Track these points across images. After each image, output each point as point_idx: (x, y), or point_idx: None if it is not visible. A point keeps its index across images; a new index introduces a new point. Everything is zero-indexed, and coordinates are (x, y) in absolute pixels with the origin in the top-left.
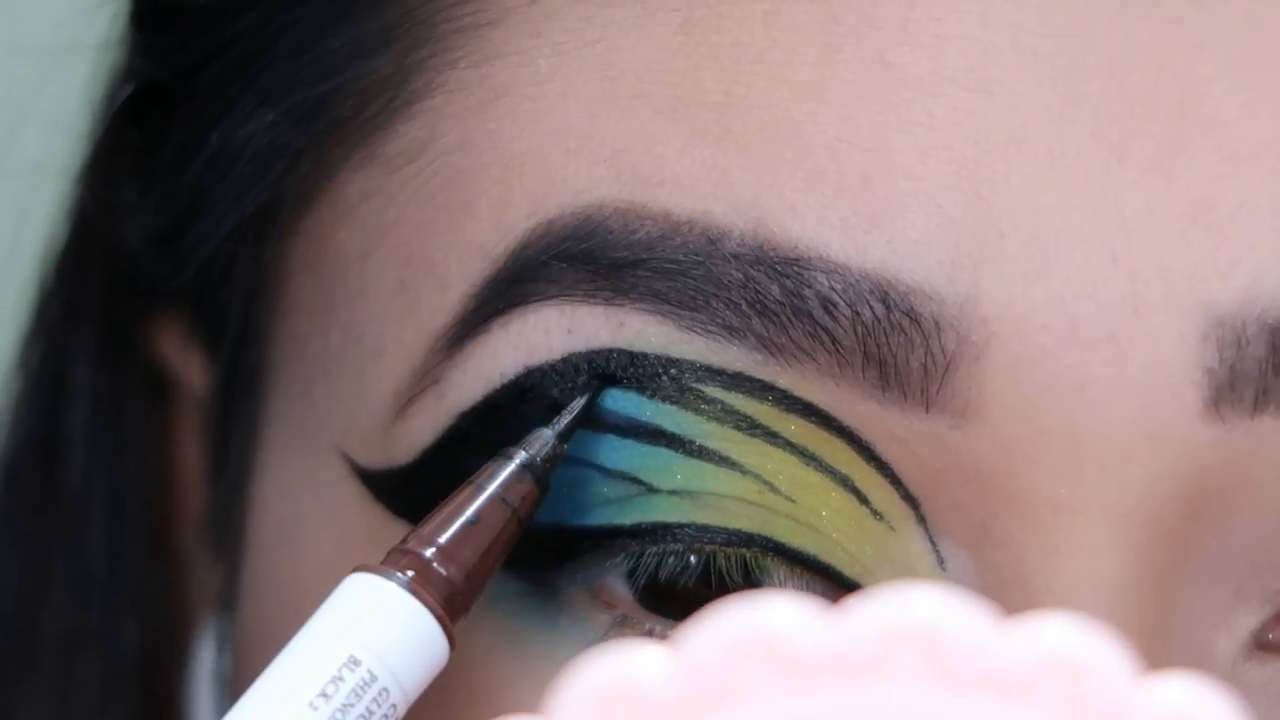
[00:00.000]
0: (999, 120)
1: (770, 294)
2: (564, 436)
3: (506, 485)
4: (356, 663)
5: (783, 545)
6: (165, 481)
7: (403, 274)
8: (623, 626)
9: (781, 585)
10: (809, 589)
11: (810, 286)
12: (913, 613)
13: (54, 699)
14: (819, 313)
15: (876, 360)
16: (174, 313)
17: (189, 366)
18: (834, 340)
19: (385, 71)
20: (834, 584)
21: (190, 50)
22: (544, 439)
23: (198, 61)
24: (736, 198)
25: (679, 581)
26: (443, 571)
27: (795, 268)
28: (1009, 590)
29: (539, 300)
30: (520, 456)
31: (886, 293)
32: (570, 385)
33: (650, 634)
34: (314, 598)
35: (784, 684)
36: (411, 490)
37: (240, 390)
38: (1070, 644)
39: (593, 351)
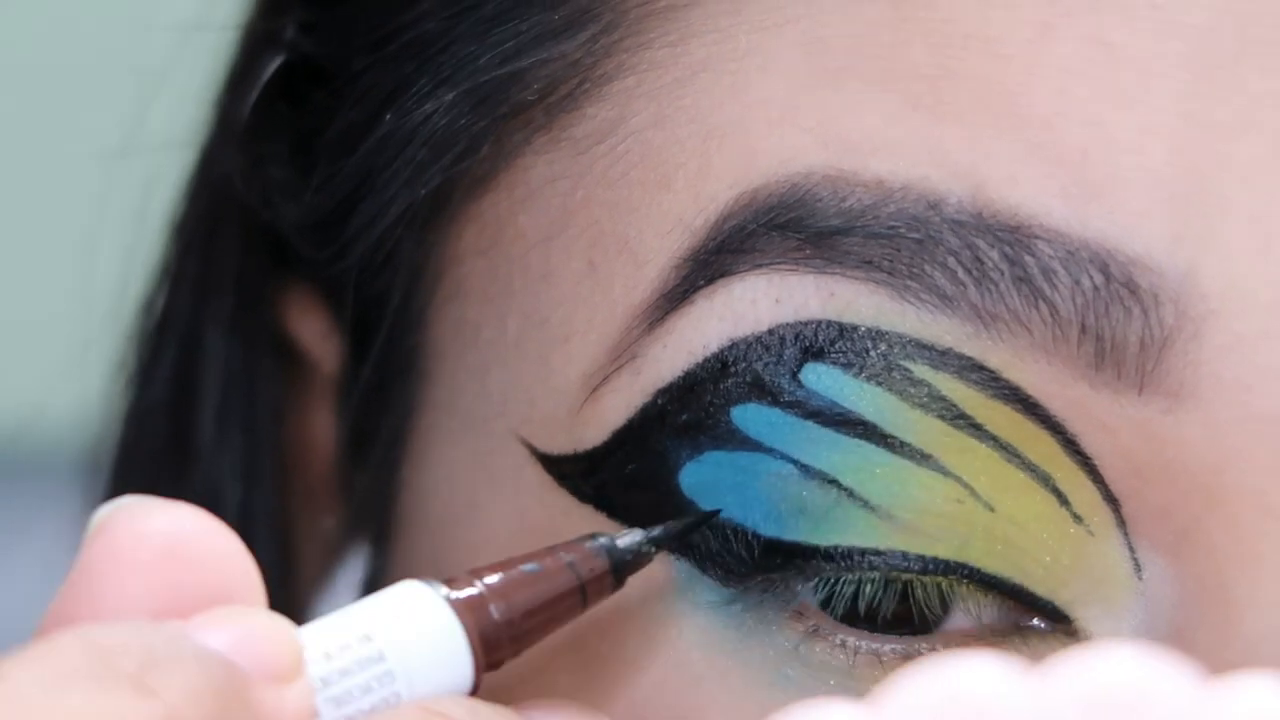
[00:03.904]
0: (1222, 103)
1: (989, 260)
2: (655, 541)
3: (579, 555)
4: (368, 639)
5: (978, 571)
6: (294, 458)
7: (591, 255)
8: (814, 638)
9: (975, 611)
10: (1001, 611)
11: (1031, 253)
12: (1116, 675)
13: None
14: (1039, 280)
15: (1093, 333)
16: (310, 289)
17: (324, 344)
18: (1052, 309)
19: (574, 56)
20: (1025, 606)
21: (366, 30)
22: (635, 534)
23: (374, 41)
24: (953, 165)
25: (877, 608)
26: (488, 604)
27: (1016, 235)
28: (1208, 601)
29: (745, 270)
30: (603, 538)
31: (1107, 263)
32: (775, 359)
33: (843, 646)
34: None
35: None
36: (600, 474)
37: (394, 373)
38: (1278, 708)
39: (801, 323)
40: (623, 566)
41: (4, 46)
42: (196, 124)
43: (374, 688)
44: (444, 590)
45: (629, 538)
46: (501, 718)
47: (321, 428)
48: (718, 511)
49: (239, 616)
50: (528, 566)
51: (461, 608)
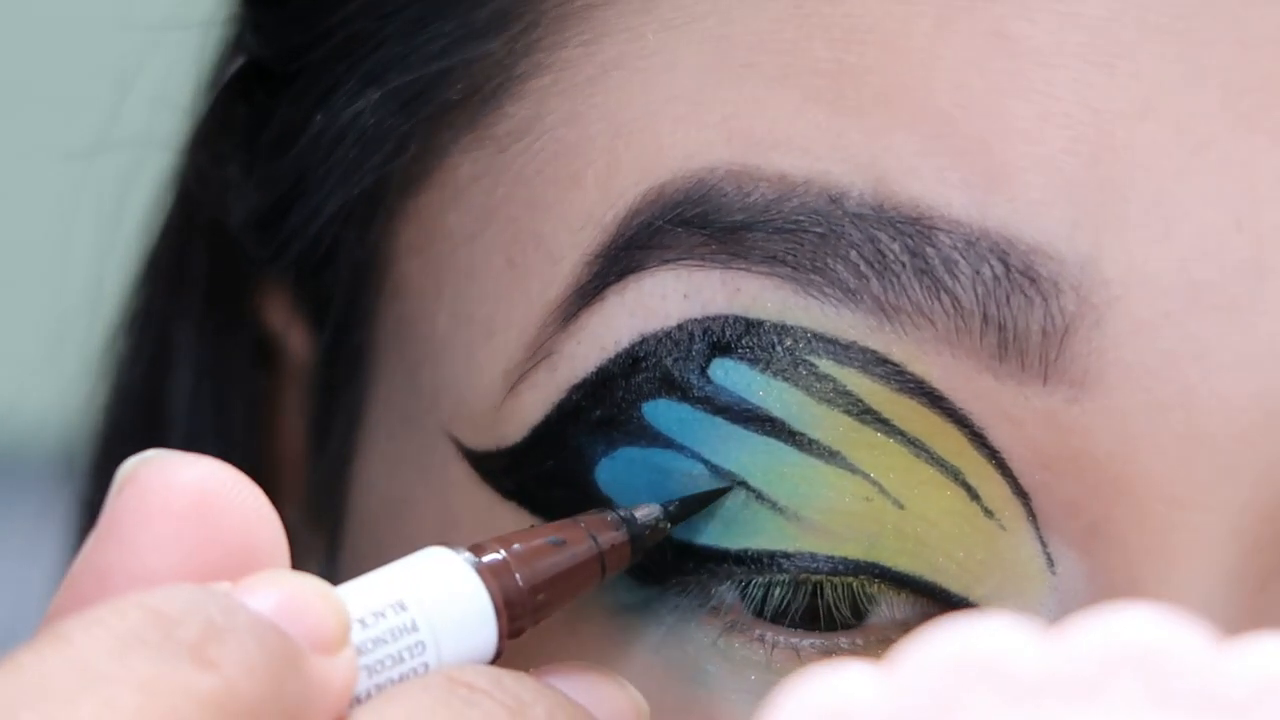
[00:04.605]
0: (1121, 91)
1: (891, 252)
2: (671, 517)
3: (599, 527)
4: (403, 608)
5: (888, 570)
6: (267, 451)
7: (510, 252)
8: (732, 632)
9: (889, 610)
10: (916, 609)
11: (932, 244)
12: (1131, 634)
13: None
14: (940, 271)
15: (996, 324)
16: (279, 284)
17: (292, 335)
18: (954, 300)
19: (496, 55)
20: (939, 603)
21: (299, 30)
22: (652, 508)
23: (306, 42)
24: (854, 158)
25: (787, 610)
26: (513, 570)
27: (917, 226)
28: (1119, 594)
29: (654, 266)
30: (622, 511)
31: (1006, 252)
32: (684, 355)
33: (761, 640)
34: None
35: (1002, 705)
36: (521, 470)
37: (344, 369)
38: None
39: (709, 318)
40: (640, 538)
41: None
42: (172, 122)
43: (405, 658)
44: (470, 556)
45: (646, 511)
46: (523, 685)
47: (294, 421)
48: (730, 487)
49: (286, 582)
50: (551, 537)
51: (487, 573)
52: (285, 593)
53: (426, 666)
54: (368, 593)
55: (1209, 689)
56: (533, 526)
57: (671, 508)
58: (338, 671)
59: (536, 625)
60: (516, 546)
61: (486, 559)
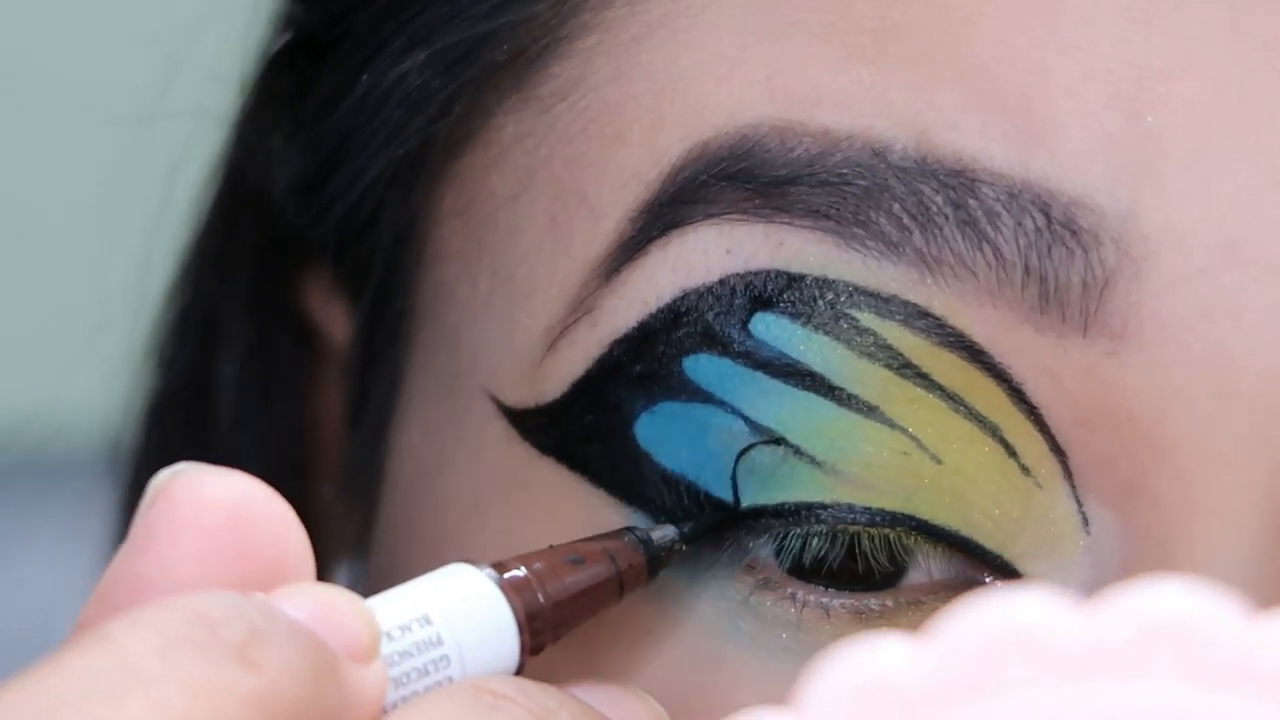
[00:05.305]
0: (1160, 48)
1: (934, 205)
2: (686, 538)
3: (617, 548)
4: (428, 622)
5: (925, 523)
6: (308, 432)
7: (553, 210)
8: (764, 590)
9: (925, 564)
10: (950, 565)
11: (975, 196)
12: (1167, 608)
13: None
14: (983, 223)
15: (1037, 275)
16: (319, 263)
17: (332, 318)
18: (996, 252)
19: (543, 16)
20: (974, 559)
21: None
22: (668, 529)
23: (352, 5)
24: (897, 114)
25: (824, 561)
26: (534, 588)
27: (960, 178)
28: (1151, 555)
29: (698, 220)
30: (639, 531)
31: (1048, 204)
32: (725, 309)
33: (792, 599)
34: (449, 538)
35: (1039, 679)
36: (560, 426)
37: (383, 338)
38: None
39: (750, 273)
40: (657, 559)
41: (25, 37)
42: (218, 109)
43: (430, 671)
44: (493, 572)
45: (662, 533)
46: (548, 695)
47: (331, 400)
48: (736, 510)
49: (319, 593)
50: (571, 556)
51: (510, 589)
52: (319, 602)
53: (451, 680)
54: (393, 606)
55: (1243, 663)
56: (551, 547)
57: (686, 530)
58: (371, 680)
59: (556, 642)
60: (538, 564)
61: (509, 575)
